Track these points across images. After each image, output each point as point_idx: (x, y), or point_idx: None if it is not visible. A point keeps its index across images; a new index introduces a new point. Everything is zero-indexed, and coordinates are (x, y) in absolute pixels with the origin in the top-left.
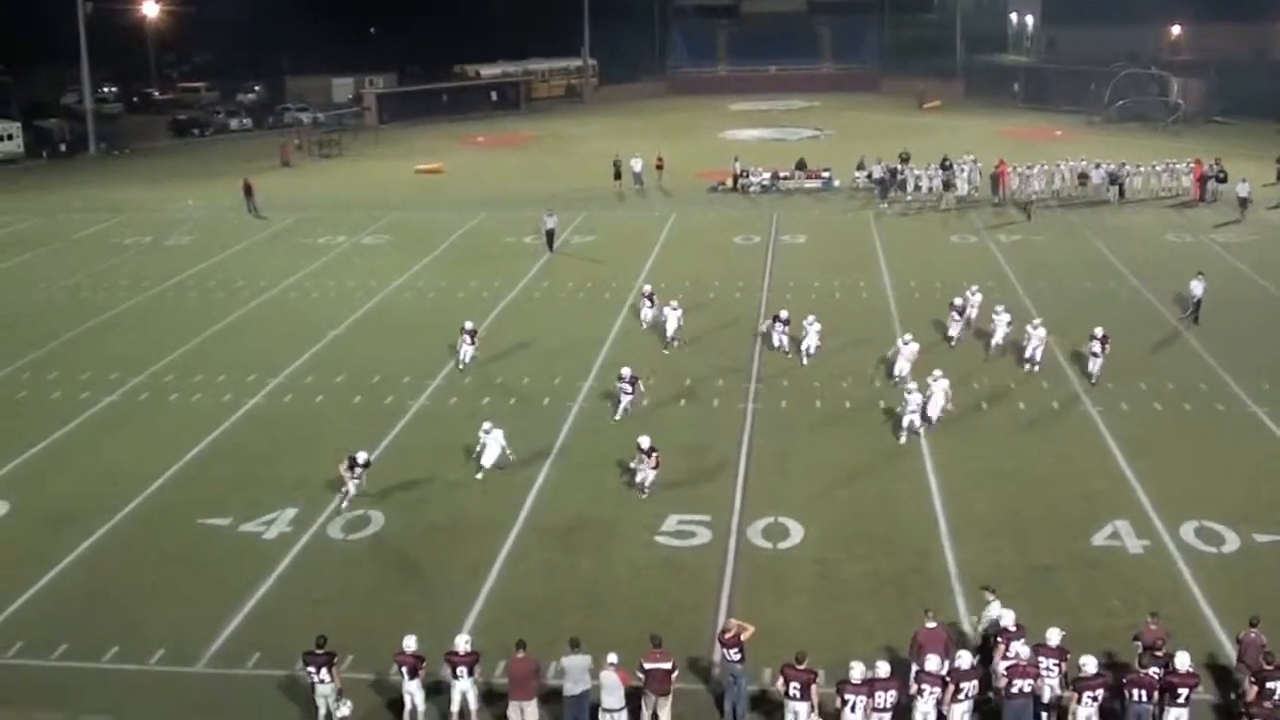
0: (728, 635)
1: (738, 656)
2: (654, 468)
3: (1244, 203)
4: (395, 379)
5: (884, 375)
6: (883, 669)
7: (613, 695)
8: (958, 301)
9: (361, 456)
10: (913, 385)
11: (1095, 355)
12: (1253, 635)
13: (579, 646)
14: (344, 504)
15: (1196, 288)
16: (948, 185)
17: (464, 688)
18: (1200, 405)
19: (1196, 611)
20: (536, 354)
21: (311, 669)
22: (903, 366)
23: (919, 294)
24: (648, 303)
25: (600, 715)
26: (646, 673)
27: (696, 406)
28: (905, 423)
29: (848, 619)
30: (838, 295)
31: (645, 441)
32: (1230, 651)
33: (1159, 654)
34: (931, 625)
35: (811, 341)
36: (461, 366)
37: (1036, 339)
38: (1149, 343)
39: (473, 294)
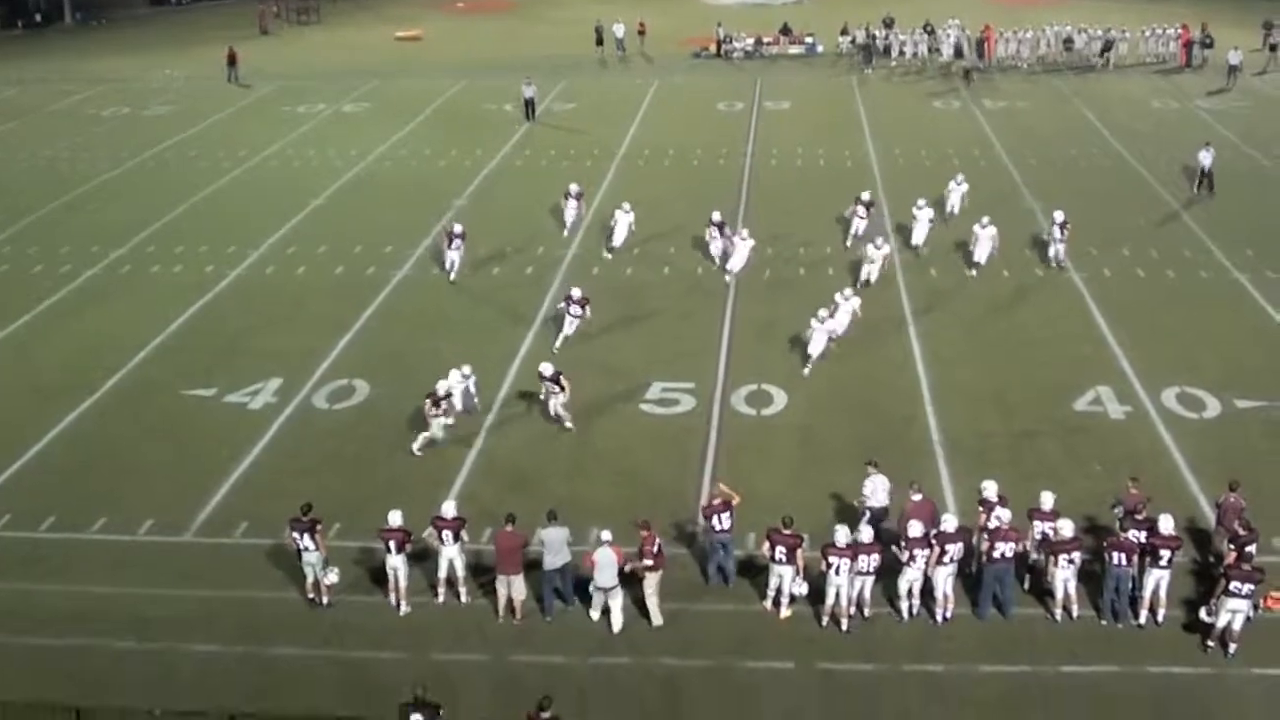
0: (716, 502)
1: (726, 525)
2: (561, 393)
3: (1233, 70)
4: (377, 249)
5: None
6: (866, 533)
7: (605, 573)
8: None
9: (443, 387)
10: (823, 313)
11: (1057, 240)
12: (1231, 499)
13: (556, 518)
14: (419, 448)
15: (1205, 158)
16: (933, 50)
17: (450, 554)
18: (1184, 273)
19: (1177, 476)
20: (518, 222)
21: (296, 534)
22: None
23: (903, 161)
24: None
25: (593, 593)
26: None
27: (680, 275)
28: (811, 349)
29: (831, 485)
30: (822, 163)
31: (547, 369)
32: (1209, 515)
33: (1139, 518)
34: (918, 498)
35: (738, 263)
36: (453, 277)
37: (985, 239)
38: (1133, 210)
39: (454, 163)
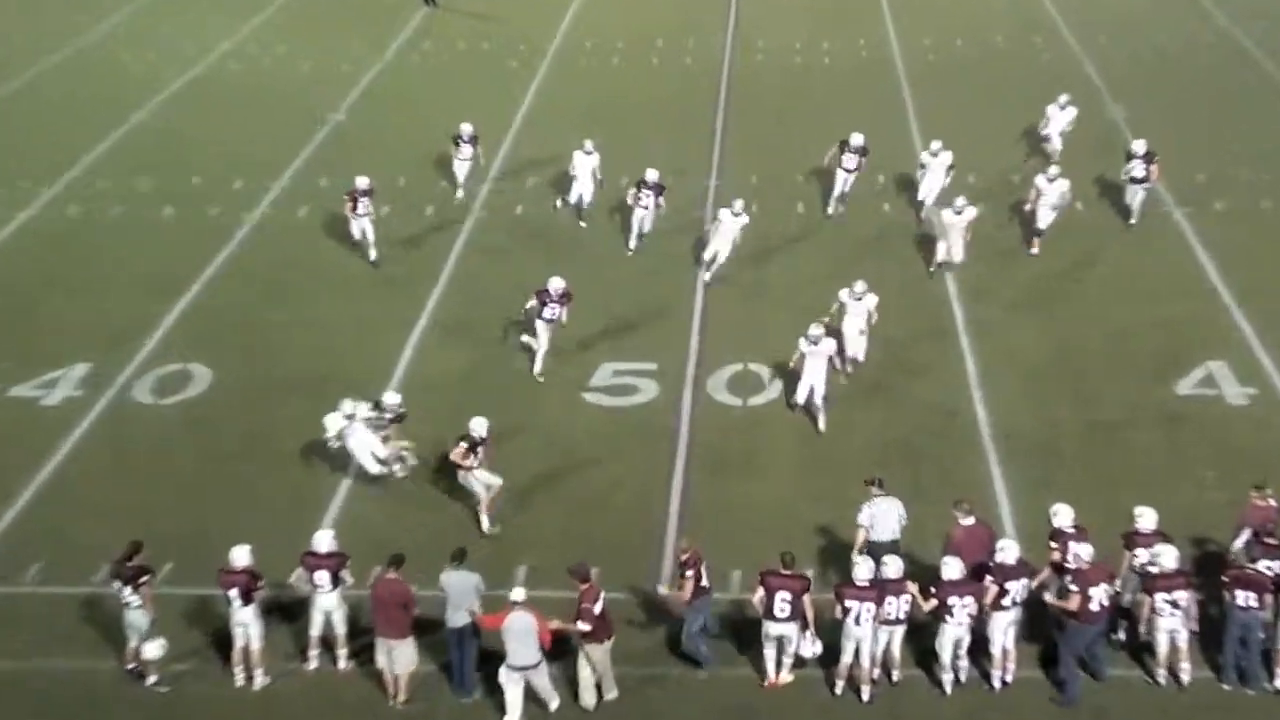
0: (684, 557)
1: (698, 587)
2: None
3: None
4: (222, 184)
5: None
6: (894, 566)
7: (519, 648)
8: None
9: (480, 429)
10: (815, 331)
11: (1138, 182)
12: None
13: (464, 559)
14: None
15: None
16: None
17: (328, 606)
18: None
19: None
20: (416, 146)
21: (118, 585)
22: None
23: (933, 56)
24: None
25: (503, 679)
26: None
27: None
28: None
29: (843, 499)
30: (827, 60)
31: (480, 428)
32: None
33: (1272, 542)
34: (968, 522)
35: (723, 246)
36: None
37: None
38: (1255, 120)
39: (324, 65)
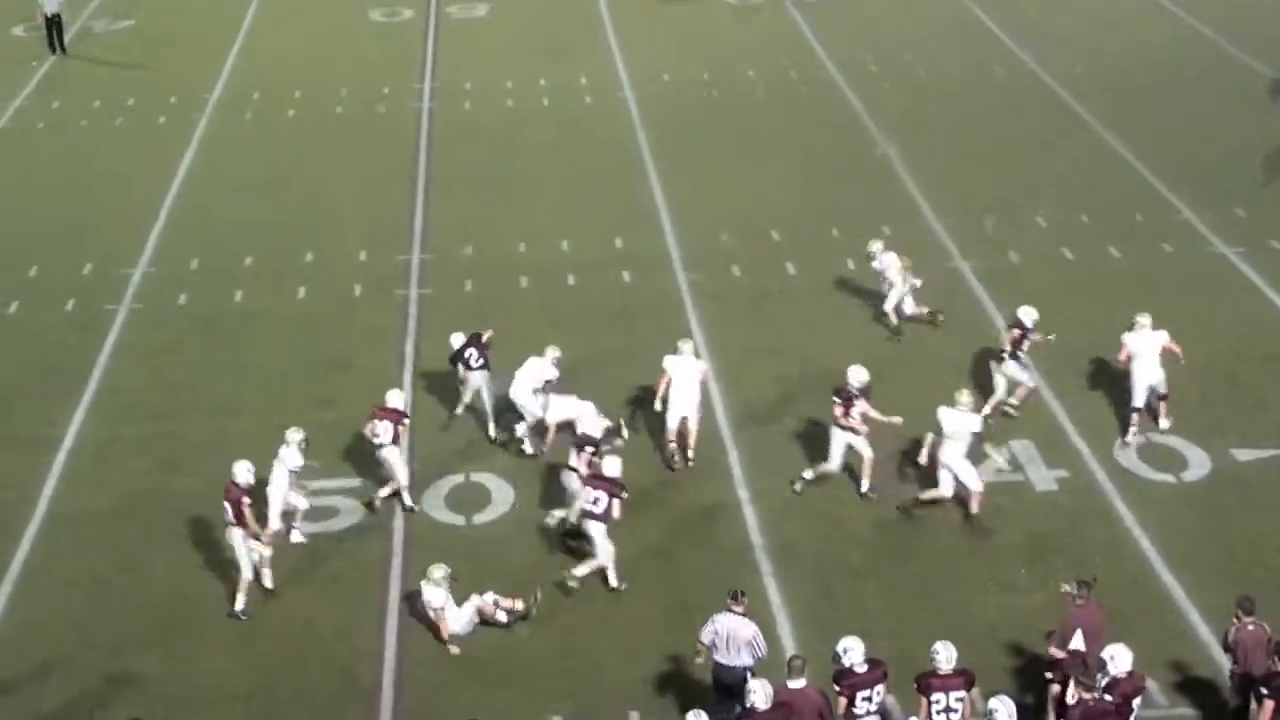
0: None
1: None
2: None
3: None
4: None
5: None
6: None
7: None
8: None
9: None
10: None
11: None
12: (1250, 628)
13: None
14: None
15: None
16: None
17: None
18: (1135, 247)
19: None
20: (43, 226)
21: None
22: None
23: (675, 91)
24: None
25: None
26: None
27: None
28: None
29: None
30: (546, 101)
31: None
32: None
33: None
34: (1084, 602)
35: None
36: None
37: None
38: (1054, 151)
39: None
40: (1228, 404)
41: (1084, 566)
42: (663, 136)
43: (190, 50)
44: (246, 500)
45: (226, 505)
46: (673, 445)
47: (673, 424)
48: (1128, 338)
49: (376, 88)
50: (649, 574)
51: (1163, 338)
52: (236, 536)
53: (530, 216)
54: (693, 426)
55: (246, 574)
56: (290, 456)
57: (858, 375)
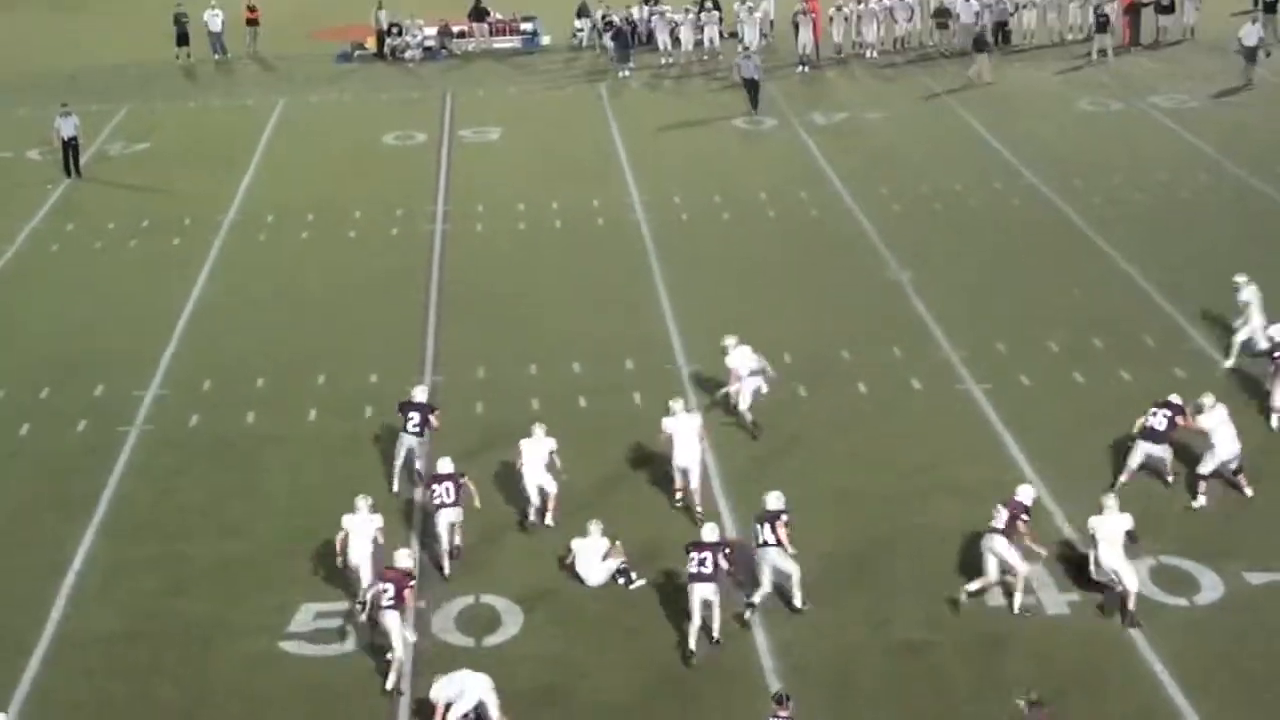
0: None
1: None
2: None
3: (1252, 55)
4: None
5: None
6: None
7: None
8: None
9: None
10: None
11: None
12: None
13: None
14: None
15: (1250, 35)
16: (729, 34)
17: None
18: (1143, 368)
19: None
20: (55, 349)
21: None
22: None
23: (688, 214)
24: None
25: None
26: None
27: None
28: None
29: None
30: (558, 224)
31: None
32: None
33: None
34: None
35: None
36: None
37: (747, 371)
38: (1064, 275)
39: None
40: (1239, 526)
41: (1096, 692)
42: (674, 258)
43: (206, 172)
44: (412, 583)
45: (388, 587)
46: (680, 494)
47: (679, 480)
48: (1202, 419)
49: (390, 210)
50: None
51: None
52: (395, 620)
53: (542, 338)
54: (694, 482)
55: (400, 653)
56: (367, 521)
57: (1027, 493)
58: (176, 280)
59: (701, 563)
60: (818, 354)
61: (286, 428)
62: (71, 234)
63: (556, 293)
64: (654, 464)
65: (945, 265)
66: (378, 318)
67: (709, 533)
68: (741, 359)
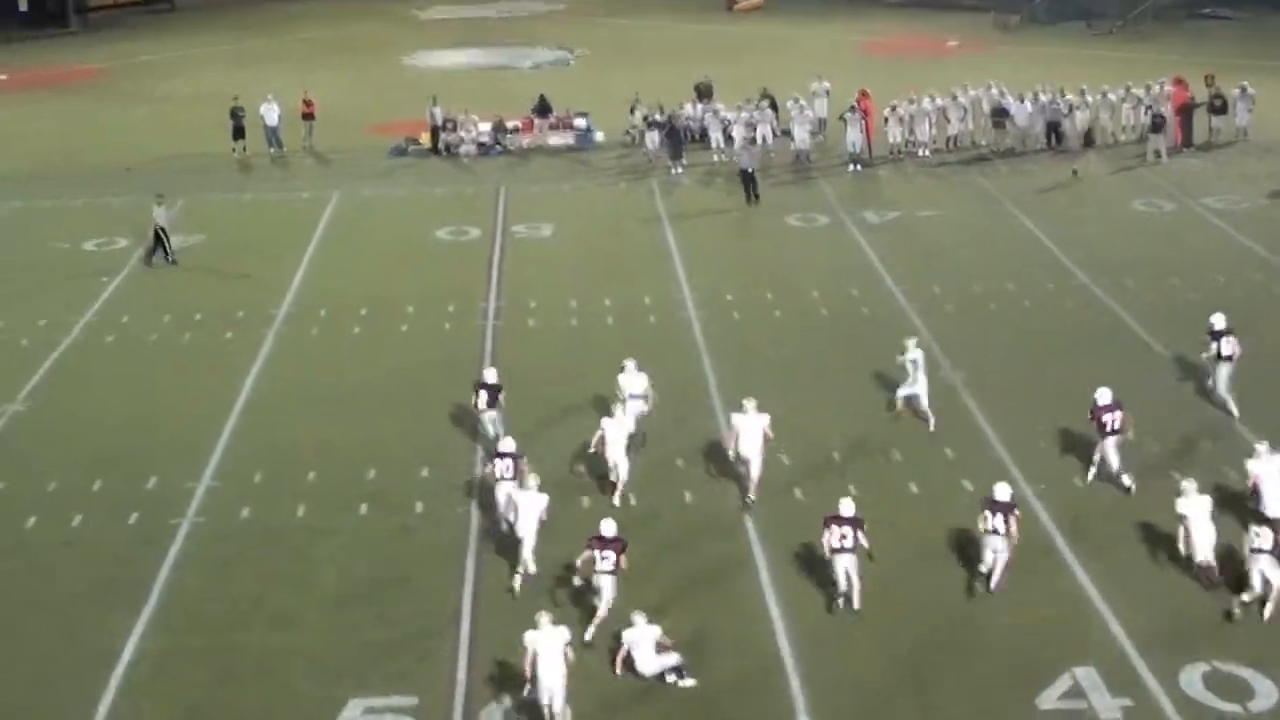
0: None
1: None
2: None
3: None
4: None
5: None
6: None
7: None
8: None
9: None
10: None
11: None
12: None
13: None
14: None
15: None
16: (781, 133)
17: None
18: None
19: None
20: (109, 440)
21: None
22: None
23: (739, 312)
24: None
25: None
26: None
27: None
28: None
29: None
30: (610, 320)
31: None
32: None
33: None
34: None
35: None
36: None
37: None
38: (1119, 374)
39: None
40: None
41: None
42: (725, 355)
43: (260, 266)
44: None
45: (608, 554)
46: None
47: (741, 468)
48: (1252, 465)
49: (442, 305)
50: None
51: None
52: (611, 584)
53: (593, 433)
54: (755, 472)
55: (603, 613)
56: (533, 492)
57: None
58: (229, 373)
59: (843, 536)
60: (869, 453)
61: (337, 521)
62: (126, 326)
63: (607, 388)
64: (699, 556)
65: (999, 366)
66: (429, 412)
67: (847, 507)
68: (629, 381)
